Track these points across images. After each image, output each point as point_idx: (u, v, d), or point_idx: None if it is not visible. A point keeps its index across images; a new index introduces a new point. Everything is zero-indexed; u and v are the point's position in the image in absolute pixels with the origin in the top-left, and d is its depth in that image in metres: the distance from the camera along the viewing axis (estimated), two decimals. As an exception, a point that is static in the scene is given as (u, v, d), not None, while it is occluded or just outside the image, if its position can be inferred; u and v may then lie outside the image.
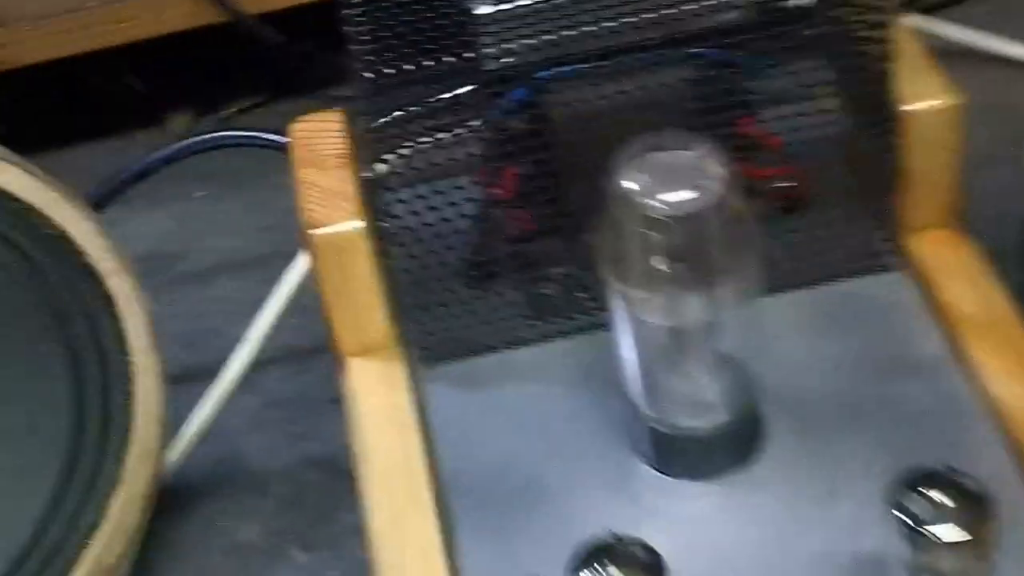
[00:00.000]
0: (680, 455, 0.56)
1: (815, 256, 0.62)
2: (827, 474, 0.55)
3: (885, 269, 0.62)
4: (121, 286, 0.67)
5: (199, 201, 0.90)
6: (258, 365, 0.77)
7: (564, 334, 0.61)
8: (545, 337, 0.62)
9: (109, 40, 0.85)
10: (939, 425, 0.57)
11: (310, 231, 0.59)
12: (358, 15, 0.57)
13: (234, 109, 0.92)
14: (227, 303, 0.83)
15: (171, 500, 0.74)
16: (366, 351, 0.61)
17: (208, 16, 0.85)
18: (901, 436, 0.56)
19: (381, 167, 0.57)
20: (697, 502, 0.56)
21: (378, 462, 0.57)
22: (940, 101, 0.60)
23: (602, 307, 0.56)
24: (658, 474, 0.57)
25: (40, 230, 0.66)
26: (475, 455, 0.58)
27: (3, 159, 0.66)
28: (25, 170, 0.66)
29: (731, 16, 0.58)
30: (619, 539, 0.48)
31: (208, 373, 0.75)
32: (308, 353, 0.80)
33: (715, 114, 0.58)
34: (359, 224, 0.59)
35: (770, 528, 0.55)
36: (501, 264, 0.61)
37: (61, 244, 0.66)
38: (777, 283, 0.61)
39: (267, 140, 0.79)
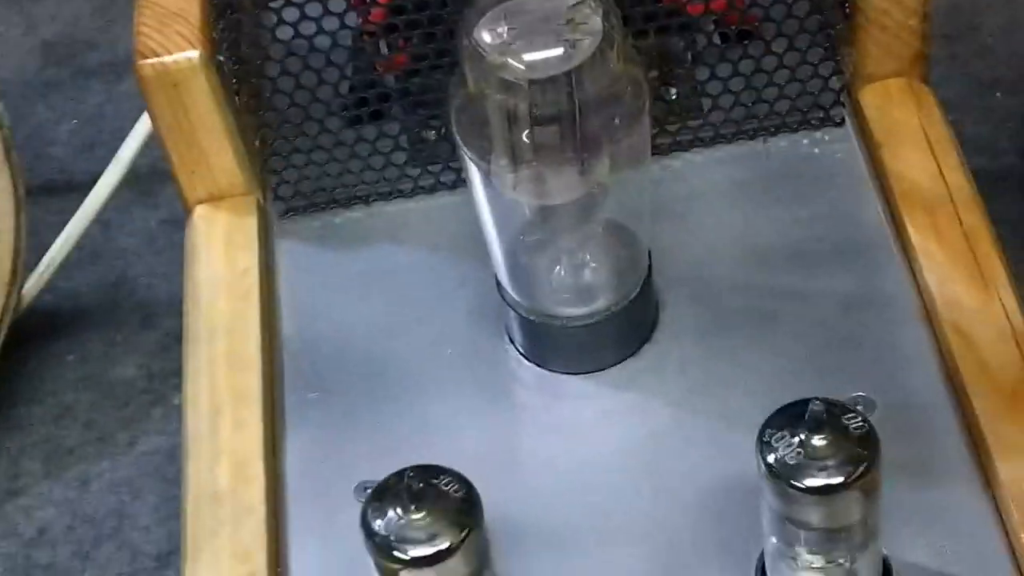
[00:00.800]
0: (556, 348, 0.48)
1: (757, 102, 0.53)
2: (722, 373, 0.48)
3: (833, 123, 0.53)
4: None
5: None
6: (158, 178, 0.71)
7: (447, 186, 0.54)
8: (424, 189, 0.54)
9: None
10: (862, 321, 0.48)
11: (140, 61, 0.50)
12: None
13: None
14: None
15: (43, 325, 0.68)
16: (212, 198, 0.53)
17: None
18: (813, 334, 0.48)
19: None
20: (575, 401, 0.48)
21: (208, 343, 0.50)
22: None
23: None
24: (533, 366, 0.49)
25: None
26: (320, 331, 0.50)
27: None
28: None
29: None
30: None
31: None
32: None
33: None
34: (197, 53, 0.50)
35: (653, 433, 0.47)
36: (379, 102, 0.53)
37: None
38: (709, 134, 0.53)
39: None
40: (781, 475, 0.39)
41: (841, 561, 0.41)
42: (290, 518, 0.46)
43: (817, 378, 0.47)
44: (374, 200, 0.53)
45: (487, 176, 0.45)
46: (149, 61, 0.50)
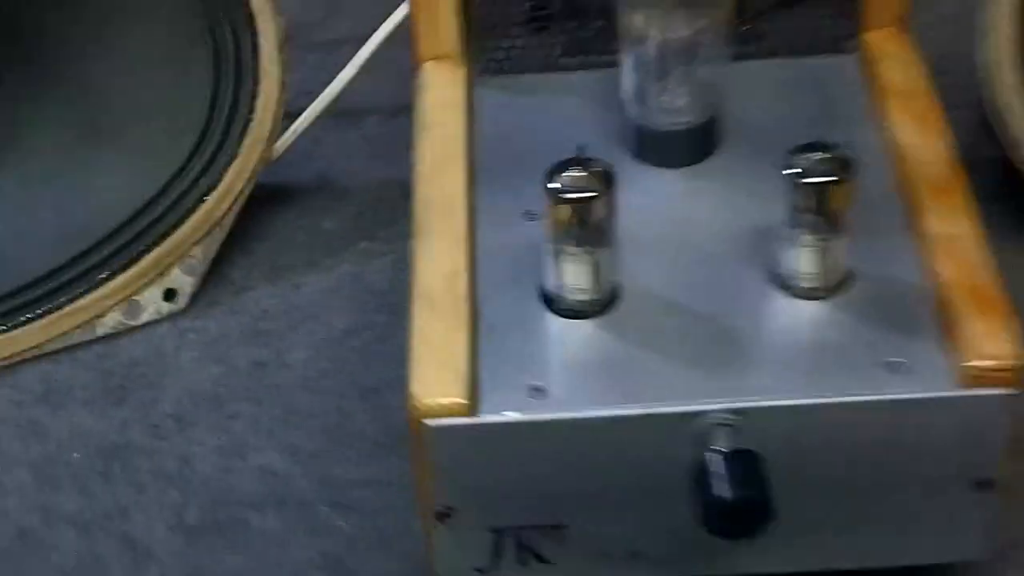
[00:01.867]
0: (655, 147, 0.77)
1: (797, 36, 0.83)
2: (760, 171, 0.76)
3: (844, 51, 0.83)
4: (262, 5, 0.90)
5: None
6: (360, 112, 1.01)
7: (586, 67, 0.83)
8: (574, 68, 0.83)
9: None
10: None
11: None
12: None
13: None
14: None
15: (272, 194, 0.96)
16: (437, 58, 0.83)
17: None
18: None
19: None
20: (665, 183, 0.77)
21: (432, 131, 0.79)
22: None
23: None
24: (639, 163, 0.78)
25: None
26: (503, 134, 0.79)
27: None
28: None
29: None
30: (582, 155, 0.69)
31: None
32: (396, 109, 1.02)
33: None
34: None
35: (715, 203, 0.75)
36: (555, 13, 0.83)
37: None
38: (767, 51, 0.82)
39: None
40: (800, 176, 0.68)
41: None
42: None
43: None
44: (543, 71, 0.83)
45: (633, 24, 0.75)
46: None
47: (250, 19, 0.88)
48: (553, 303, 0.71)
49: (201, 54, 0.88)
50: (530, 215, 0.74)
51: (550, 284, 0.70)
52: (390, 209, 0.96)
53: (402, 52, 0.86)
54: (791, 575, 0.71)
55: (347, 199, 0.97)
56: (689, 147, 0.77)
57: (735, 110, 0.79)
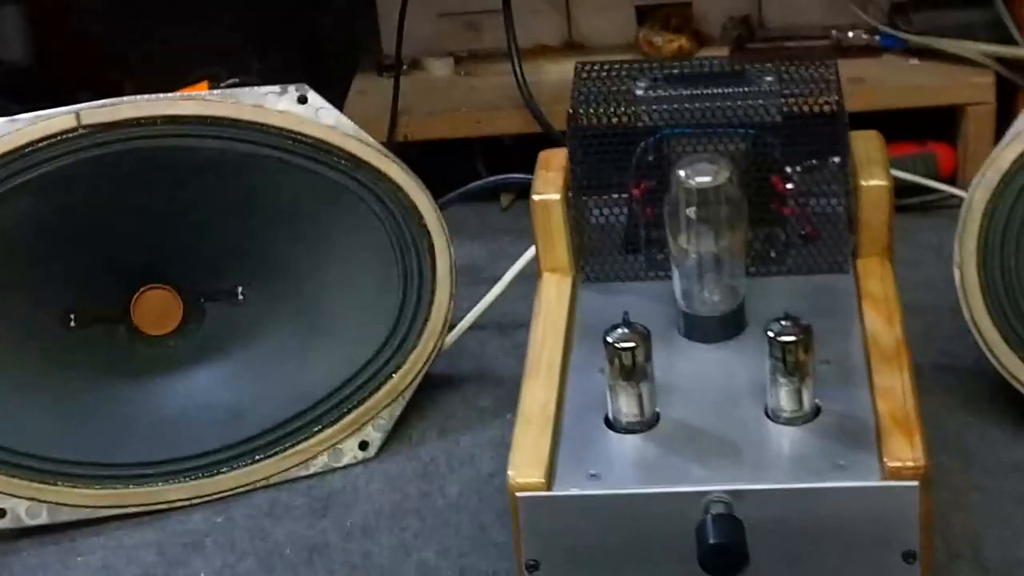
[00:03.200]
0: (697, 329, 1.09)
1: (811, 262, 1.15)
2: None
3: (844, 272, 1.15)
4: (439, 239, 1.24)
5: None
6: (511, 325, 1.35)
7: (659, 278, 1.16)
8: (648, 277, 1.16)
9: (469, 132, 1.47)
10: (842, 337, 1.08)
11: (533, 197, 1.16)
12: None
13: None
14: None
15: (444, 380, 1.31)
16: (553, 270, 1.17)
17: (529, 126, 1.45)
18: (822, 339, 1.07)
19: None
20: (705, 353, 1.08)
21: (543, 317, 1.13)
22: (880, 182, 1.13)
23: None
24: (686, 339, 1.10)
25: (403, 203, 1.24)
26: (594, 321, 1.12)
27: (388, 157, 1.25)
28: (400, 167, 1.25)
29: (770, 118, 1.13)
30: (627, 320, 1.02)
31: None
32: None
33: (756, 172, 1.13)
34: (557, 196, 1.15)
35: (746, 369, 1.06)
36: (635, 241, 1.17)
37: (413, 214, 1.24)
38: (788, 270, 1.15)
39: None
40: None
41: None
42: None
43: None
44: (626, 280, 1.16)
45: (676, 244, 1.08)
46: (538, 197, 1.16)
47: (431, 249, 1.24)
48: (612, 424, 1.02)
49: (392, 271, 1.23)
50: (603, 370, 1.07)
51: (610, 411, 1.02)
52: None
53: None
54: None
55: (500, 386, 1.31)
56: (721, 328, 1.09)
57: (762, 310, 1.10)
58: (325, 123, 1.20)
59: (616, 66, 1.17)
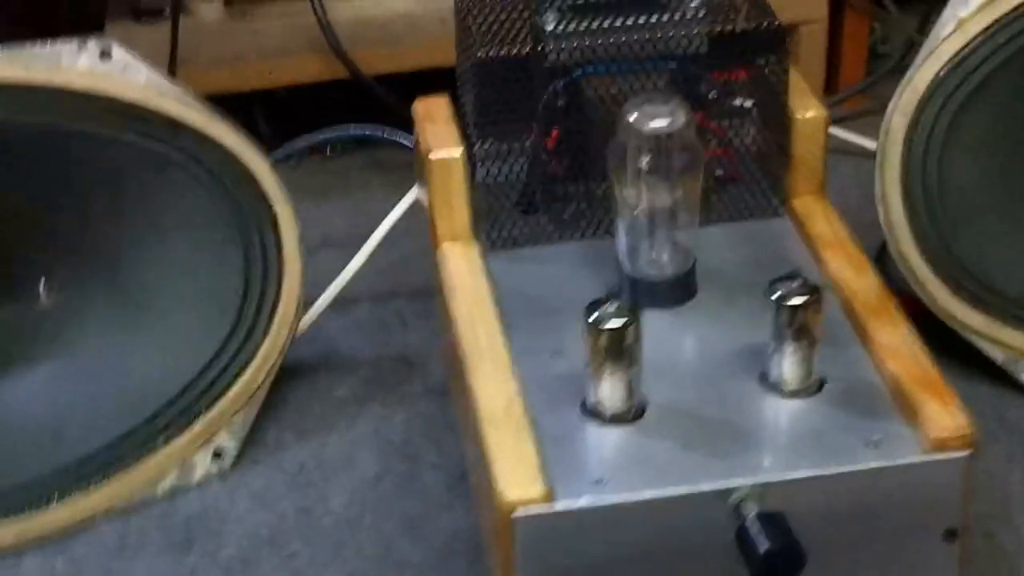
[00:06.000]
0: (647, 294, 0.91)
1: (739, 205, 0.99)
2: (734, 307, 0.91)
3: (778, 215, 0.99)
4: (283, 210, 1.01)
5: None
6: (350, 301, 1.13)
7: (571, 239, 0.97)
8: (560, 240, 0.97)
9: (261, 84, 1.22)
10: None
11: (430, 155, 0.94)
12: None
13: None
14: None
15: (290, 368, 1.08)
16: (453, 239, 0.96)
17: (333, 71, 1.22)
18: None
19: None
20: (655, 321, 0.90)
21: (461, 292, 0.92)
22: (815, 113, 0.98)
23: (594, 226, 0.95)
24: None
25: (236, 170, 1.00)
26: (520, 291, 0.93)
27: (215, 118, 1.00)
28: (230, 128, 1.01)
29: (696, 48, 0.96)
30: (613, 293, 0.83)
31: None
32: (388, 295, 1.16)
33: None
34: (459, 152, 0.95)
35: (698, 336, 0.89)
36: (540, 197, 0.98)
37: (249, 182, 1.00)
38: (715, 219, 0.98)
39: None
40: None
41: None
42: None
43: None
44: (535, 245, 0.97)
45: (623, 195, 0.89)
46: (434, 154, 0.95)
47: (274, 224, 1.00)
48: (596, 415, 0.84)
49: (231, 250, 1.00)
50: (557, 353, 0.88)
51: (591, 400, 0.84)
52: (392, 377, 1.08)
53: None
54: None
55: (353, 372, 1.09)
56: (675, 292, 0.92)
57: (700, 265, 0.94)
58: (136, 82, 0.95)
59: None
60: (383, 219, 1.11)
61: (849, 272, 0.93)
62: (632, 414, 0.84)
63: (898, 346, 0.87)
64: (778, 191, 0.99)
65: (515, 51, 0.95)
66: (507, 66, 0.94)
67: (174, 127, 0.96)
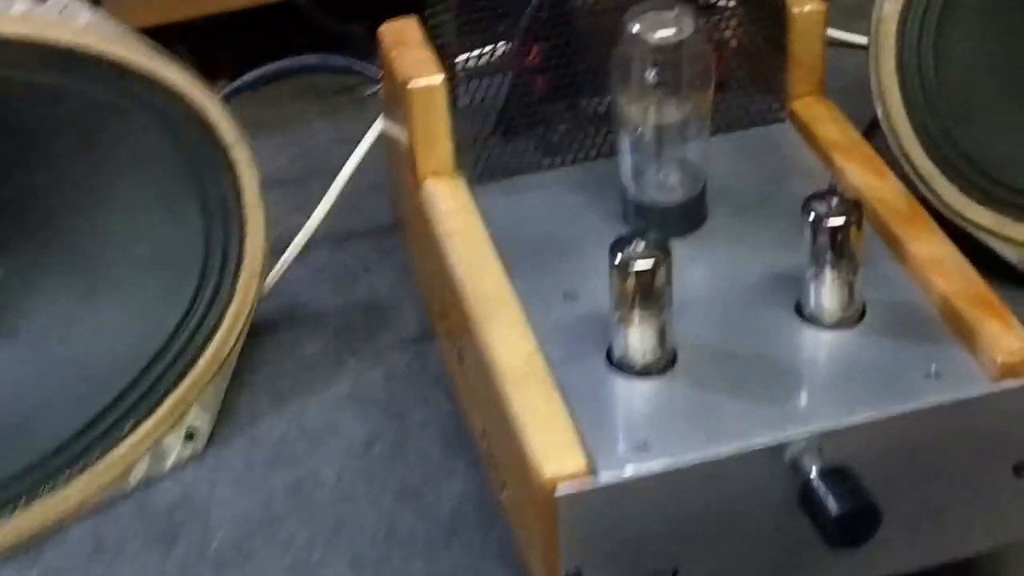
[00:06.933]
0: (656, 221, 0.82)
1: (736, 113, 0.89)
2: (750, 231, 0.82)
3: (780, 120, 0.90)
4: (240, 153, 0.90)
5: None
6: (306, 246, 1.02)
7: (563, 165, 0.88)
8: (551, 167, 0.87)
9: (184, 14, 1.10)
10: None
11: (409, 85, 0.84)
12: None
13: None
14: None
15: (252, 328, 0.97)
16: (436, 174, 0.86)
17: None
18: (793, 209, 0.81)
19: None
20: (675, 251, 0.81)
21: (457, 235, 0.82)
22: (812, 5, 0.89)
23: (586, 147, 0.85)
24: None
25: (188, 115, 0.88)
26: (517, 227, 0.83)
27: (162, 59, 0.88)
28: (179, 68, 0.89)
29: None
30: (638, 229, 0.74)
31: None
32: (344, 236, 1.05)
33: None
34: (440, 79, 0.84)
35: (718, 265, 0.80)
36: (522, 119, 0.88)
37: (201, 123, 0.87)
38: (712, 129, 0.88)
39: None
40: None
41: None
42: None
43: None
44: (525, 173, 0.87)
45: (626, 114, 0.79)
46: (415, 83, 0.83)
47: (230, 170, 0.89)
48: (624, 367, 0.75)
49: (189, 206, 0.89)
50: (569, 296, 0.79)
51: (619, 350, 0.74)
52: (364, 328, 0.98)
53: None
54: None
55: (321, 324, 0.99)
56: (687, 217, 0.83)
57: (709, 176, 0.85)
58: (76, 25, 0.83)
59: None
60: (328, 151, 1.01)
61: (870, 178, 0.84)
62: (663, 363, 0.75)
63: (941, 259, 0.79)
64: (776, 94, 0.90)
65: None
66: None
67: (120, 72, 0.84)
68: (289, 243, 0.99)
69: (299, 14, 1.14)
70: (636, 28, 0.78)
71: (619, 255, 0.72)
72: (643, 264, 0.72)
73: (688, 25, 0.78)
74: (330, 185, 0.99)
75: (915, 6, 0.92)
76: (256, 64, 1.11)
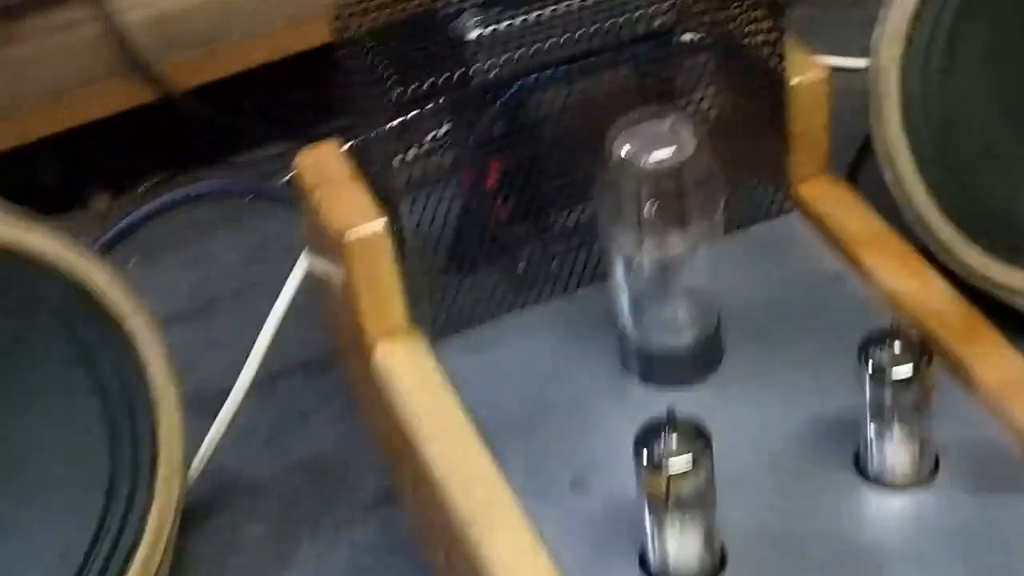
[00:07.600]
0: (660, 367, 0.67)
1: (735, 208, 0.73)
2: (773, 369, 0.67)
3: (786, 211, 0.75)
4: (138, 325, 0.74)
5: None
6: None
7: (537, 302, 0.72)
8: (523, 306, 0.72)
9: (48, 130, 0.92)
10: (854, 320, 0.69)
11: (345, 233, 0.68)
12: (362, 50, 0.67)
13: (152, 183, 1.00)
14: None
15: (188, 516, 0.81)
16: (389, 334, 0.70)
17: (143, 96, 0.92)
18: (825, 332, 0.69)
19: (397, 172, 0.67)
20: (682, 407, 0.67)
21: (429, 419, 0.67)
22: (817, 75, 0.74)
23: (562, 277, 0.71)
24: (643, 384, 0.68)
25: (65, 284, 0.73)
26: (495, 395, 0.68)
27: (29, 224, 0.72)
28: (53, 234, 0.73)
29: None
30: (672, 417, 0.59)
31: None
32: (269, 382, 0.87)
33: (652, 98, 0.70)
34: (381, 224, 0.68)
35: (741, 421, 0.65)
36: (480, 251, 0.72)
37: (84, 294, 0.72)
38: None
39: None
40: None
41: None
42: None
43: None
44: (492, 318, 0.72)
45: (622, 246, 0.64)
46: (352, 233, 0.67)
47: (128, 345, 0.73)
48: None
49: (86, 398, 0.72)
50: (577, 484, 0.64)
51: (657, 560, 0.60)
52: (312, 498, 0.81)
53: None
54: None
55: (261, 500, 0.82)
56: (703, 360, 0.68)
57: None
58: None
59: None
60: (234, 271, 0.84)
61: (908, 279, 0.70)
62: (712, 569, 0.60)
63: (1016, 382, 0.65)
64: (778, 180, 0.75)
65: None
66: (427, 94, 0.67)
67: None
68: (209, 396, 0.83)
69: (173, 109, 0.97)
70: (626, 150, 0.62)
71: (645, 453, 0.57)
72: (680, 464, 0.57)
73: (688, 139, 0.63)
74: (241, 311, 0.84)
75: (915, 55, 0.78)
76: (136, 170, 0.95)
